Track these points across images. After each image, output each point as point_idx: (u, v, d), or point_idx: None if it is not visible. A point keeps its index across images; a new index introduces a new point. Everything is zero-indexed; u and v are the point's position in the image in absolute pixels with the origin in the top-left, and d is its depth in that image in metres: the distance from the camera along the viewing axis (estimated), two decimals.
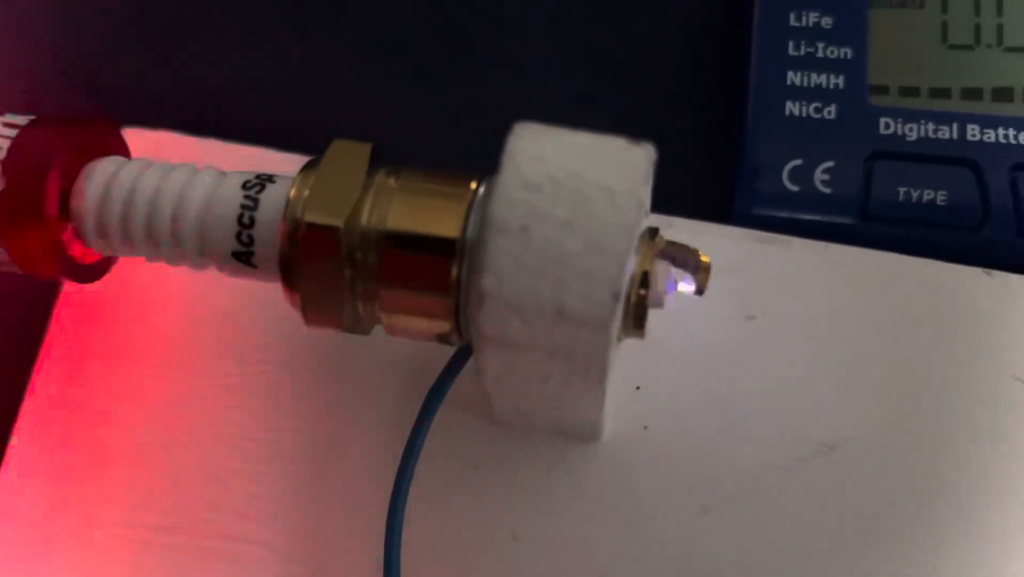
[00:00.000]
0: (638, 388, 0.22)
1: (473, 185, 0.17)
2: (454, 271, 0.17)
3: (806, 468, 0.21)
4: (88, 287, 0.21)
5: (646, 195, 0.16)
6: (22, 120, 0.19)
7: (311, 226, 0.17)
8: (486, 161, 0.18)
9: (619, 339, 0.17)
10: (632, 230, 0.15)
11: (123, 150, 0.20)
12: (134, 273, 0.22)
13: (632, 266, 0.16)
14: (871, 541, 0.21)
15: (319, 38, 0.27)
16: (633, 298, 0.17)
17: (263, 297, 0.22)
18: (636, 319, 0.17)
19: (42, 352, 0.23)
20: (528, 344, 0.16)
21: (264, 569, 0.22)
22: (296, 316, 0.20)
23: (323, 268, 0.17)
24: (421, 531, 0.21)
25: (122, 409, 0.23)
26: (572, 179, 0.16)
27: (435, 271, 0.17)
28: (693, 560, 0.21)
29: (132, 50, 0.28)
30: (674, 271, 0.17)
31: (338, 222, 0.17)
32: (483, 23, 0.27)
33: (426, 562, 0.21)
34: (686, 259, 0.17)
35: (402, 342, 0.20)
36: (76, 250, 0.19)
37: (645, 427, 0.22)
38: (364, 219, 0.17)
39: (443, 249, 0.17)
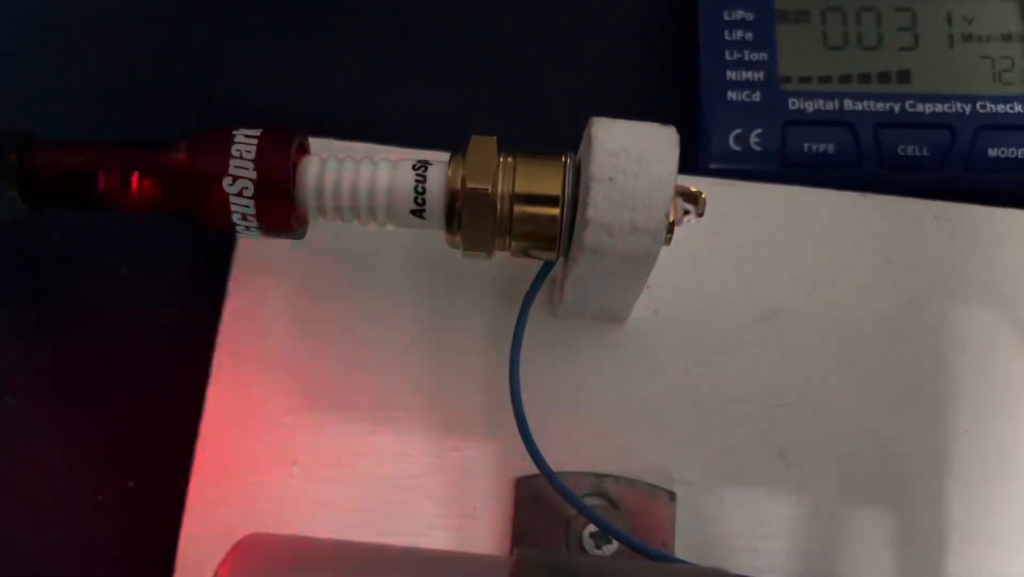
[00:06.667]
0: (648, 287, 0.31)
1: (563, 159, 0.27)
2: (558, 213, 0.26)
3: (760, 326, 0.32)
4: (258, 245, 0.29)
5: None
6: (255, 132, 0.27)
7: (473, 190, 0.26)
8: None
9: None
10: (674, 176, 0.25)
11: (309, 149, 0.29)
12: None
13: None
14: (811, 373, 0.31)
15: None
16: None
17: (387, 253, 0.32)
18: (669, 232, 0.27)
19: (224, 311, 0.31)
20: (612, 251, 0.26)
21: (411, 426, 0.30)
22: (409, 261, 0.30)
23: (479, 216, 0.26)
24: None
25: (294, 335, 0.31)
26: (635, 146, 0.25)
27: (548, 215, 0.26)
28: (696, 394, 0.31)
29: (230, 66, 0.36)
30: (684, 203, 0.28)
31: (488, 186, 0.26)
32: (494, 36, 0.36)
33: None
34: (691, 195, 0.28)
35: (487, 267, 0.30)
36: (296, 217, 0.28)
37: (655, 311, 0.32)
38: (500, 184, 0.26)
39: (553, 201, 0.26)
